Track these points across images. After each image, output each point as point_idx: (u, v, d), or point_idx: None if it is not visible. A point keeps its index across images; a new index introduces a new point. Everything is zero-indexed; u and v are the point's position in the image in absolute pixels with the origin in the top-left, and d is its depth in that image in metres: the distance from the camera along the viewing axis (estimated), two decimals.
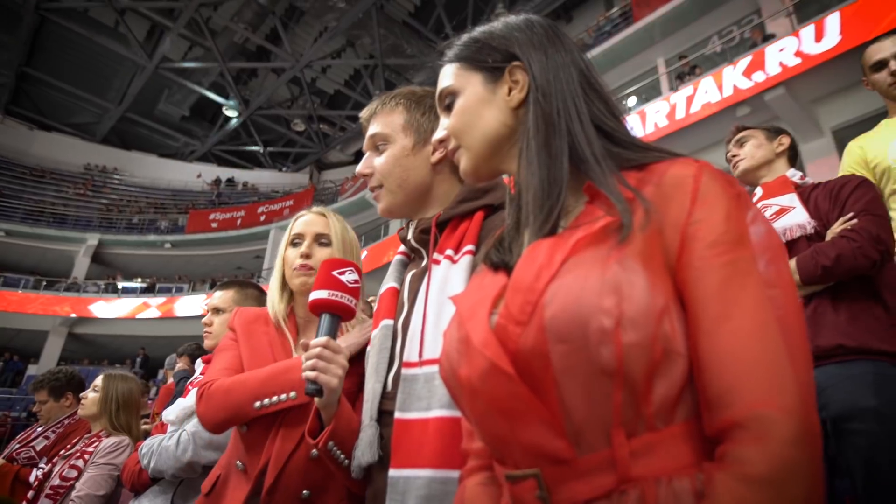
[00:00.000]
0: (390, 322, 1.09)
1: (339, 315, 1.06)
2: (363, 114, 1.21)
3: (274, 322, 1.43)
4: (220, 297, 2.14)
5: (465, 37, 0.83)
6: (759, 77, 8.87)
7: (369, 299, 2.43)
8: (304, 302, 1.36)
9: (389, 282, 1.16)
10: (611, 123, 0.72)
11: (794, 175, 1.93)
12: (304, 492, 1.19)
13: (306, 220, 1.46)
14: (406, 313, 1.07)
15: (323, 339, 1.02)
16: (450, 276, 0.99)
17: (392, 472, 0.91)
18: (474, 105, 0.78)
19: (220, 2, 17.65)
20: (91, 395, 2.62)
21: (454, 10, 16.96)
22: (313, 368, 1.00)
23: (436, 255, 1.05)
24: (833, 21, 8.12)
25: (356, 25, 16.90)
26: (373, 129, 1.17)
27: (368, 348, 1.13)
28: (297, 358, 1.30)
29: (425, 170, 1.14)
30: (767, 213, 1.79)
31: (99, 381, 2.67)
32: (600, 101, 0.73)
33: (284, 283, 1.46)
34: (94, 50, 20.13)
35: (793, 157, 2.01)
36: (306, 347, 1.02)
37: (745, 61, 9.11)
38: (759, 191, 1.92)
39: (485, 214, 1.07)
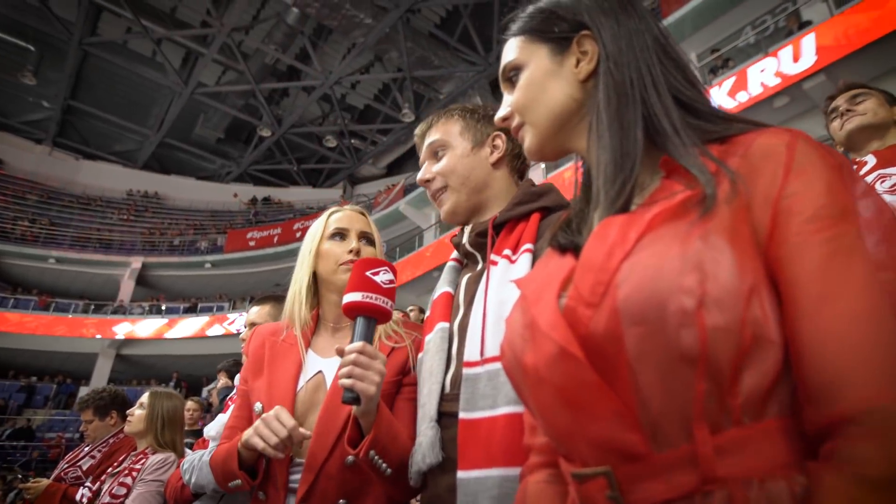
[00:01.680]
0: (446, 325, 1.08)
1: (375, 318, 1.02)
2: (419, 129, 1.25)
3: (288, 329, 1.35)
4: (257, 312, 2.12)
5: (530, 8, 0.77)
6: (796, 65, 8.61)
7: (408, 309, 2.38)
8: (338, 301, 1.29)
9: (443, 287, 1.17)
10: (689, 93, 0.66)
11: None
12: (341, 501, 1.13)
13: (349, 216, 1.39)
14: (462, 315, 1.07)
15: (358, 344, 0.97)
16: (509, 274, 0.98)
17: (461, 475, 0.89)
18: (539, 78, 0.74)
19: (251, 26, 18.09)
20: (138, 413, 2.65)
21: (480, 19, 16.93)
22: (349, 375, 0.96)
23: (493, 257, 1.04)
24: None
25: (383, 40, 17.02)
26: (430, 138, 1.21)
27: (421, 354, 1.11)
28: (232, 444, 1.21)
29: (485, 169, 1.18)
30: (887, 184, 1.64)
31: (145, 398, 2.69)
32: (678, 69, 0.68)
33: (313, 283, 1.36)
34: (133, 80, 20.87)
35: None
36: (341, 353, 0.98)
37: (780, 51, 8.85)
38: (870, 159, 1.75)
39: (541, 217, 1.07)
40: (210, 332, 18.29)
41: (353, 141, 23.27)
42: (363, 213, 1.43)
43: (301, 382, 1.26)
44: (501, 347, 0.67)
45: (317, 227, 1.39)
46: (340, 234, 1.35)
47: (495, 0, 16.03)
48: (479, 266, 1.13)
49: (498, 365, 0.89)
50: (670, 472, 0.51)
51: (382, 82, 21.18)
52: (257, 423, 1.11)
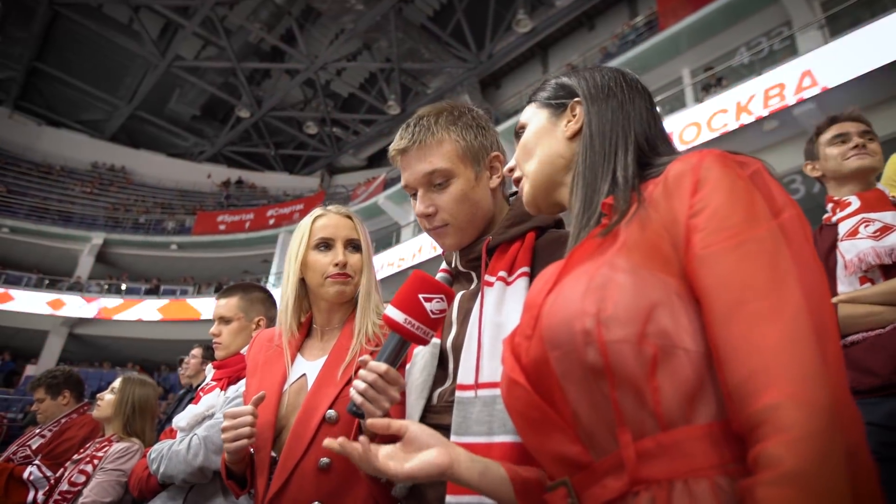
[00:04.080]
0: (437, 340, 1.07)
1: (410, 341, 0.95)
2: (403, 145, 1.09)
3: (278, 338, 1.37)
4: (225, 305, 2.06)
5: (546, 81, 0.91)
6: (788, 91, 8.63)
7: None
8: (327, 307, 1.35)
9: None
10: (648, 154, 0.76)
11: (884, 189, 1.77)
12: (315, 502, 1.14)
13: (335, 224, 1.37)
14: (456, 333, 1.06)
15: (383, 367, 0.91)
16: (505, 297, 0.99)
17: (450, 499, 0.88)
18: (536, 134, 0.86)
19: (236, 1, 17.43)
20: (108, 397, 2.62)
21: (474, 15, 16.69)
22: (362, 393, 0.92)
23: (488, 277, 1.03)
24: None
25: (373, 28, 16.66)
26: (426, 164, 1.08)
27: (409, 366, 1.09)
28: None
29: (489, 198, 1.14)
30: (870, 229, 1.65)
31: (117, 383, 2.66)
32: (644, 135, 0.78)
33: (300, 292, 1.37)
34: (106, 46, 19.95)
35: None
36: (364, 364, 0.93)
37: (773, 74, 8.85)
38: (854, 200, 1.74)
39: (535, 236, 1.07)
40: (171, 317, 17.66)
41: (334, 129, 22.75)
42: (349, 216, 1.40)
43: (286, 386, 1.28)
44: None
45: (301, 233, 1.36)
46: (325, 244, 1.34)
47: None
48: (474, 284, 1.12)
49: (493, 391, 0.91)
50: (607, 476, 0.57)
51: (369, 71, 20.73)
52: (223, 435, 1.14)
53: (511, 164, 0.91)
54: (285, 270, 1.37)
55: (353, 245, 1.37)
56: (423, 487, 0.98)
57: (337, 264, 1.31)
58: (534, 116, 0.88)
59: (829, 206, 1.79)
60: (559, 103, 0.85)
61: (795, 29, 10.27)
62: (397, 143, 1.11)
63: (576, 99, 0.82)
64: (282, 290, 1.37)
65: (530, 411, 0.63)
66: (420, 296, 0.93)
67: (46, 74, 21.42)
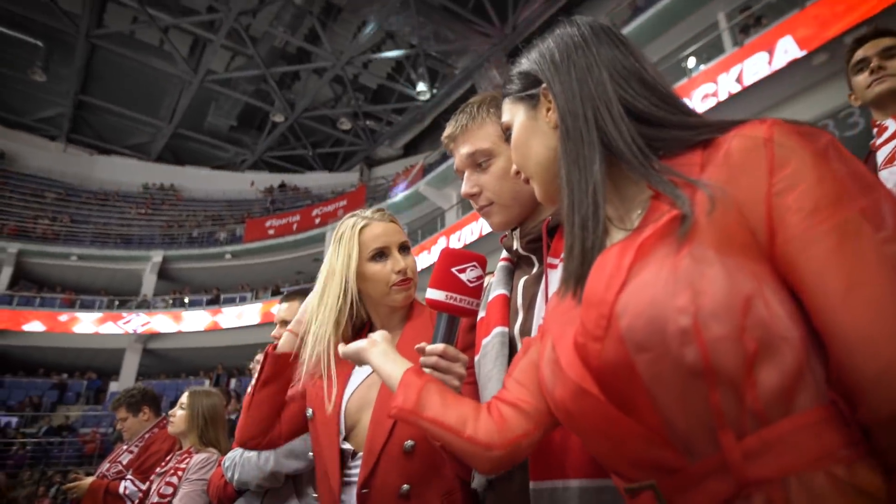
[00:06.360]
0: (505, 329, 1.06)
1: (459, 316, 0.97)
2: (450, 131, 1.18)
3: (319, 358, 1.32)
4: (286, 308, 2.12)
5: (511, 73, 0.85)
6: (836, 18, 8.00)
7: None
8: (388, 312, 1.36)
9: (498, 289, 1.13)
10: (658, 112, 0.67)
11: None
12: (404, 486, 1.15)
13: (386, 231, 1.35)
14: (523, 319, 1.05)
15: (440, 346, 0.93)
16: None
17: (533, 485, 0.89)
18: (523, 136, 0.80)
19: (258, 8, 17.67)
20: (179, 413, 2.72)
21: None
22: None
23: (550, 259, 1.01)
24: None
25: (394, 16, 16.53)
26: (468, 146, 1.14)
27: (478, 357, 1.09)
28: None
29: None
30: None
31: (184, 398, 2.76)
32: (644, 88, 0.69)
33: (346, 305, 1.30)
34: (142, 71, 20.63)
35: None
36: (422, 351, 0.95)
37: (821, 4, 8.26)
38: (891, 124, 1.65)
39: None
40: (235, 324, 18.27)
41: (367, 122, 22.87)
42: (393, 220, 1.41)
43: (350, 388, 1.31)
44: (541, 379, 0.71)
45: (348, 246, 1.32)
46: (381, 253, 1.33)
47: None
48: (536, 268, 1.10)
49: None
50: (707, 480, 0.53)
51: (395, 60, 20.65)
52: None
53: (514, 168, 0.88)
54: (331, 283, 1.29)
55: (405, 248, 1.38)
56: (503, 482, 0.99)
57: (400, 271, 1.32)
58: (514, 114, 0.82)
59: (875, 130, 1.70)
60: (530, 94, 0.79)
61: None
62: (446, 131, 1.19)
63: (544, 86, 0.76)
64: (327, 302, 1.29)
65: (602, 421, 0.59)
66: (453, 269, 0.96)
67: (92, 105, 22.38)
